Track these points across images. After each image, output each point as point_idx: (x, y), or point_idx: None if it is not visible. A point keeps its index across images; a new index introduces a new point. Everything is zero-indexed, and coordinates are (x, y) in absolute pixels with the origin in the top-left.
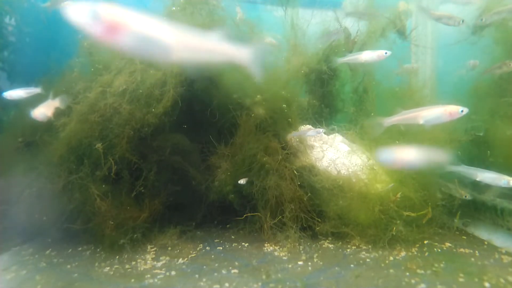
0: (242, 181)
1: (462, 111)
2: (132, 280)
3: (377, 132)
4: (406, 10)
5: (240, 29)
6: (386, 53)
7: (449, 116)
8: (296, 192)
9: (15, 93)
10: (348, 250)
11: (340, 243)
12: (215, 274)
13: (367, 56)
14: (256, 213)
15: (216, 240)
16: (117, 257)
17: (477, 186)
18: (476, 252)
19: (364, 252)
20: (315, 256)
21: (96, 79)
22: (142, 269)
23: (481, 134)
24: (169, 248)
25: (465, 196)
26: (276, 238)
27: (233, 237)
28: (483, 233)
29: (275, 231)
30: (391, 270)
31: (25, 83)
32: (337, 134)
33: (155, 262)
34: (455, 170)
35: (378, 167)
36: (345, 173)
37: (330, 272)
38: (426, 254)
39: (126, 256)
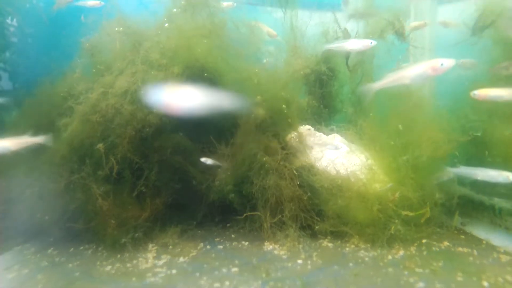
0: (205, 160)
1: (442, 64)
2: (134, 278)
3: (368, 97)
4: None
5: (240, 32)
6: (371, 43)
7: (432, 71)
8: (296, 192)
9: None
10: (347, 249)
11: (339, 242)
12: (216, 272)
13: (352, 44)
14: (256, 212)
15: (217, 239)
16: (119, 256)
17: (476, 185)
18: (475, 251)
19: (363, 251)
20: (314, 254)
21: (98, 80)
22: (143, 267)
23: (479, 134)
24: (170, 247)
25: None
26: (276, 237)
27: (233, 236)
28: (481, 233)
29: (275, 230)
30: (390, 269)
31: (27, 83)
32: (336, 134)
33: (156, 261)
34: (455, 172)
35: (377, 167)
36: (344, 173)
37: (329, 270)
38: (425, 253)
39: (127, 255)
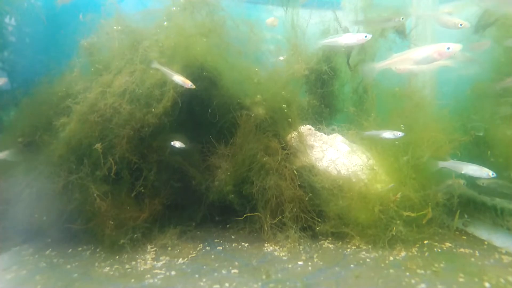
0: (174, 143)
1: (449, 48)
2: (132, 280)
3: (371, 76)
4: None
5: (240, 29)
6: (366, 36)
7: (438, 56)
8: (296, 192)
9: None
10: (348, 250)
11: (340, 243)
12: (215, 274)
13: (347, 39)
14: (256, 213)
15: (216, 240)
16: (117, 257)
17: (476, 185)
18: (476, 252)
19: (364, 252)
20: (315, 256)
21: (96, 79)
22: (142, 269)
23: (481, 134)
24: (169, 248)
25: (464, 183)
26: (276, 238)
27: (233, 237)
28: (483, 233)
29: (275, 231)
30: (391, 270)
31: (25, 83)
32: (337, 134)
33: (155, 262)
34: (445, 165)
35: (378, 167)
36: (345, 173)
37: (330, 272)
38: (426, 254)
39: (126, 256)
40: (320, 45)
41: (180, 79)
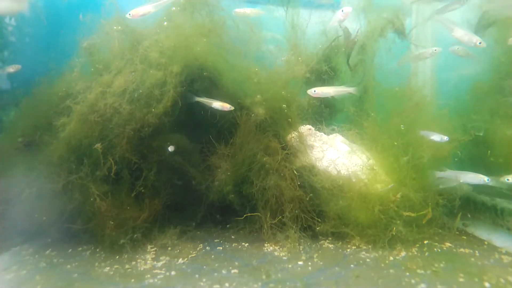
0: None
1: (342, 10)
2: (132, 280)
3: None
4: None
5: (240, 29)
6: (342, 11)
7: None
8: (296, 192)
9: None
10: (348, 250)
11: (340, 243)
12: (215, 274)
13: (339, 15)
14: (256, 213)
15: (216, 240)
16: (117, 257)
17: (477, 186)
18: (476, 252)
19: (364, 252)
20: (315, 256)
21: (96, 79)
22: (142, 269)
23: (481, 134)
24: (169, 248)
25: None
26: (276, 238)
27: (233, 237)
28: (483, 233)
29: (275, 231)
30: (391, 270)
31: (25, 83)
32: (337, 134)
33: (155, 262)
34: (443, 176)
35: (378, 167)
36: (345, 173)
37: (330, 272)
38: (426, 254)
39: (126, 256)
40: (331, 28)
41: (219, 105)
